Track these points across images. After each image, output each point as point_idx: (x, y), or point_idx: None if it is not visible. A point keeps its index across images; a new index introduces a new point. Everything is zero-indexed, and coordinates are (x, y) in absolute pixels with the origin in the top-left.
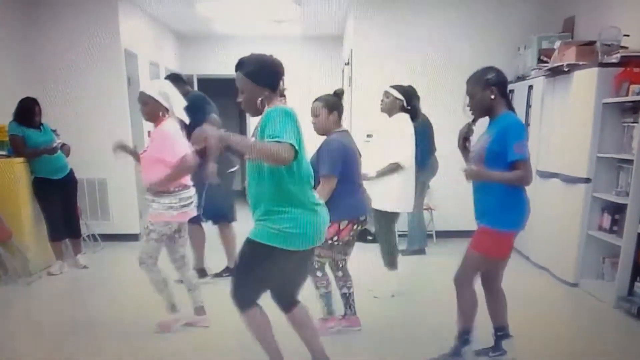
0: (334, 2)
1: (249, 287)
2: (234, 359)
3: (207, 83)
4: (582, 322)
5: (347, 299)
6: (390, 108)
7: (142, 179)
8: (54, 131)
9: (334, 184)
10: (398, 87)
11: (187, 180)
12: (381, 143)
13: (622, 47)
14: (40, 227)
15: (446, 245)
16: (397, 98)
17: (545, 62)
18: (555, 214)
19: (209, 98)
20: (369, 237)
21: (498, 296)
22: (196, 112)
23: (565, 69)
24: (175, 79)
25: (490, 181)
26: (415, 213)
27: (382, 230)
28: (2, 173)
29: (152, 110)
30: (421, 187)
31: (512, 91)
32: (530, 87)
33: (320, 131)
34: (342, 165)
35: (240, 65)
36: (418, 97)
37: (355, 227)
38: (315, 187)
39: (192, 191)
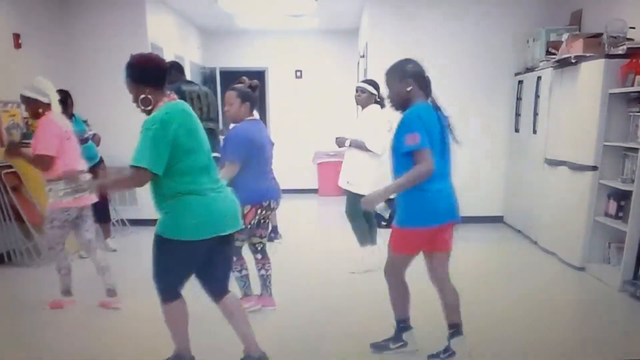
0: None
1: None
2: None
3: (228, 75)
4: (588, 305)
5: (265, 280)
6: (366, 102)
7: None
8: (85, 122)
9: (235, 170)
10: (369, 82)
11: (81, 166)
12: (359, 133)
13: (628, 39)
14: None
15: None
16: (371, 93)
17: (553, 54)
18: (563, 201)
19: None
20: (383, 223)
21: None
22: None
23: (573, 61)
24: (172, 66)
25: (394, 193)
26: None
27: (353, 211)
28: None
29: (32, 108)
30: None
31: (521, 82)
32: (539, 78)
33: (232, 119)
34: (246, 152)
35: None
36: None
37: (259, 211)
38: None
39: (87, 177)
